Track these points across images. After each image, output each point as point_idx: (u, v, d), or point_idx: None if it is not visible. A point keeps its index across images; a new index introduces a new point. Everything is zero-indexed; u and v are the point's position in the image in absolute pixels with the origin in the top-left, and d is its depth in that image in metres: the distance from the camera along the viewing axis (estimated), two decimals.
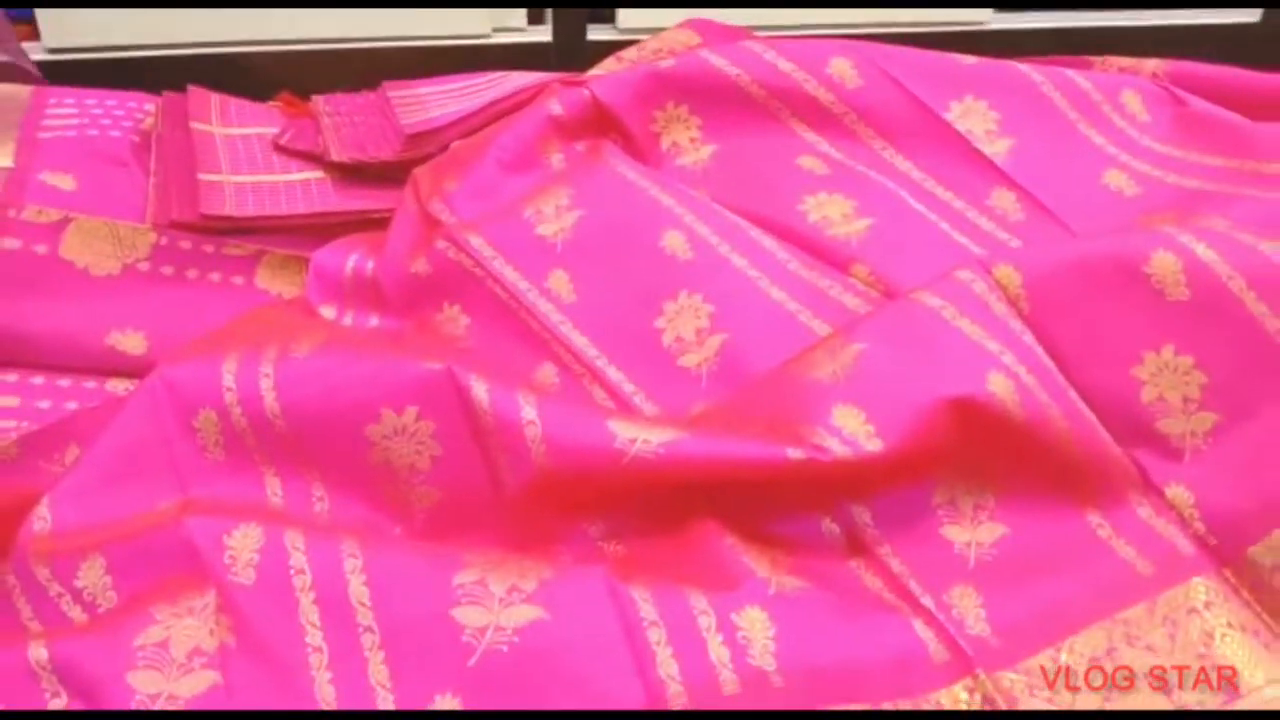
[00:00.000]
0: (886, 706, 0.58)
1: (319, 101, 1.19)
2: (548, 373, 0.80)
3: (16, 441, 0.77)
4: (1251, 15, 2.03)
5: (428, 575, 0.60)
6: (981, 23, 1.92)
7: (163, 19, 1.50)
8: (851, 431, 0.65)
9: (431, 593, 0.59)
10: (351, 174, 1.09)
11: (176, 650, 0.57)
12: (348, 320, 0.89)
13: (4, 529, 0.69)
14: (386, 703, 0.55)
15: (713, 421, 0.71)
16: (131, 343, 0.93)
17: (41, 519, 0.66)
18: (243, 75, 1.37)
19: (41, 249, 0.93)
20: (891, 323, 0.72)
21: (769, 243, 0.85)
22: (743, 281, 0.81)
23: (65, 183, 1.02)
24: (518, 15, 1.77)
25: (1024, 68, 0.99)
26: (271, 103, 1.22)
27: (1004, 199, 0.91)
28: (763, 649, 0.59)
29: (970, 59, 0.99)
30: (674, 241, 0.83)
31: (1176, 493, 0.70)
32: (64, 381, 0.91)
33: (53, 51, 1.54)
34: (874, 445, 0.65)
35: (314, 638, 0.58)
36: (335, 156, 1.08)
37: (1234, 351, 0.71)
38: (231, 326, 0.81)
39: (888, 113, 0.94)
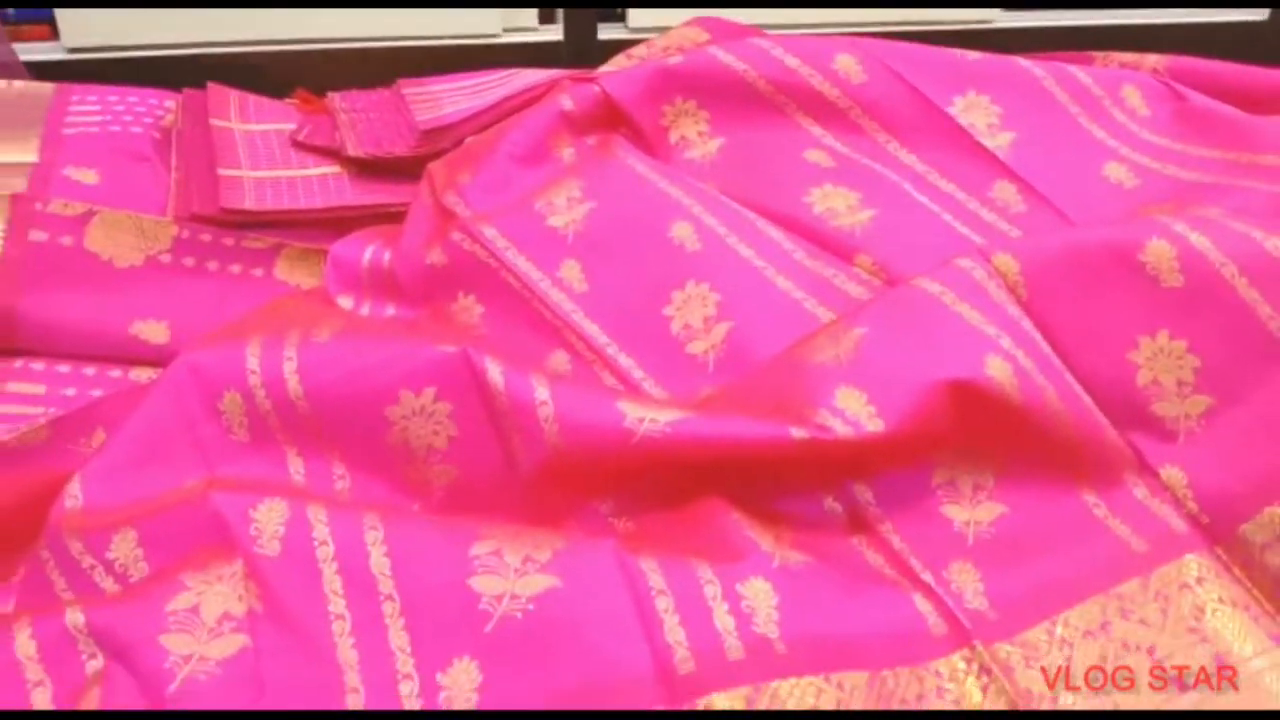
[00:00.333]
0: (886, 674, 0.60)
1: (335, 98, 1.21)
2: (560, 360, 0.82)
3: (46, 425, 0.79)
4: (1259, 14, 2.04)
5: (446, 547, 0.62)
6: (989, 21, 1.93)
7: (180, 19, 1.53)
8: (854, 412, 0.67)
9: (449, 563, 0.61)
10: (367, 169, 1.11)
11: (207, 615, 0.59)
12: (365, 310, 0.91)
13: (37, 508, 0.71)
14: (406, 666, 0.58)
15: (719, 403, 0.73)
16: (154, 332, 0.94)
17: (73, 497, 0.69)
18: (258, 74, 1.39)
19: (67, 241, 0.95)
20: (893, 308, 0.74)
21: (775, 233, 0.87)
22: (749, 271, 0.83)
23: (89, 177, 1.04)
24: (529, 15, 1.79)
25: (1026, 63, 1.01)
26: (288, 100, 1.24)
27: (1005, 191, 0.93)
28: (766, 617, 0.61)
29: (973, 54, 1.01)
30: (682, 232, 0.85)
31: (1171, 474, 0.72)
32: (89, 370, 0.92)
33: (72, 51, 1.57)
34: (875, 425, 0.67)
35: (336, 605, 0.60)
36: (352, 152, 1.10)
37: (1227, 337, 0.73)
38: (254, 315, 0.83)
39: (892, 107, 0.97)
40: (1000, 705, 0.61)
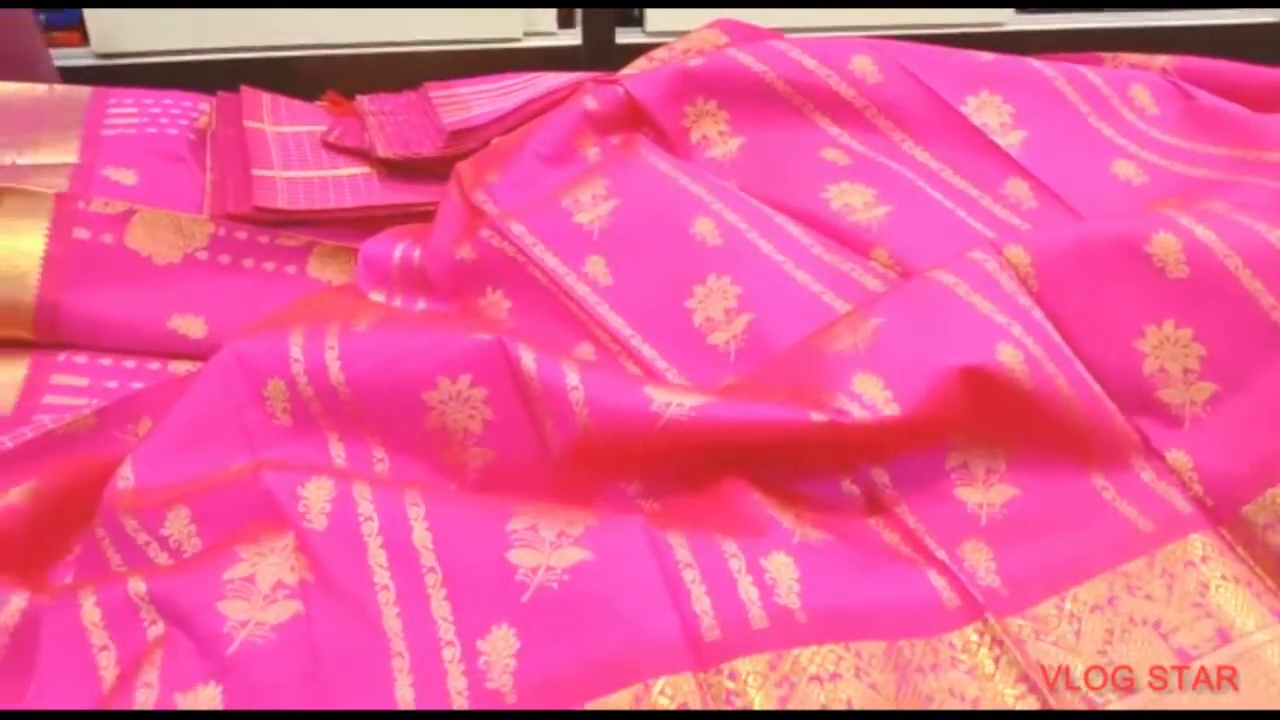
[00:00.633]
0: (903, 644, 0.63)
1: (364, 101, 1.24)
2: (586, 351, 0.85)
3: (93, 414, 0.82)
4: (1273, 15, 2.05)
5: (484, 522, 0.65)
6: (1001, 24, 1.96)
7: (209, 24, 1.56)
8: (871, 397, 0.70)
9: (488, 537, 0.64)
10: (396, 169, 1.13)
11: (261, 583, 0.62)
12: (396, 304, 0.94)
13: (88, 491, 0.75)
14: (448, 633, 0.61)
15: (742, 390, 0.76)
16: (192, 327, 0.97)
17: (125, 478, 0.72)
18: (290, 77, 1.42)
19: (108, 238, 0.98)
20: (908, 298, 0.77)
21: (794, 229, 0.90)
22: (769, 265, 0.86)
23: (127, 177, 1.06)
24: (548, 19, 1.82)
25: (1037, 64, 1.03)
26: (318, 102, 1.27)
27: (1018, 188, 0.95)
28: (788, 589, 0.64)
29: (986, 56, 1.03)
30: (704, 228, 0.88)
31: (1176, 457, 0.74)
32: (130, 363, 0.95)
33: (101, 56, 1.60)
34: (892, 410, 0.69)
35: (381, 577, 0.63)
36: (381, 153, 1.13)
37: (1231, 326, 0.75)
38: (294, 307, 0.86)
39: (907, 107, 0.99)
40: (1011, 676, 0.63)
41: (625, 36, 1.85)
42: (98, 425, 0.82)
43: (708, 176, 0.94)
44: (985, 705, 0.62)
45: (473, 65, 1.42)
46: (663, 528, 0.66)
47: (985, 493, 0.73)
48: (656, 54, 1.16)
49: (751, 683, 0.59)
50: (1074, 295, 0.77)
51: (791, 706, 0.59)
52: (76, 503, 0.75)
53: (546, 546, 0.64)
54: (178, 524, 0.68)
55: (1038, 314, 0.77)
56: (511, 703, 0.59)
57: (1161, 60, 1.14)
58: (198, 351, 0.95)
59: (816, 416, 0.69)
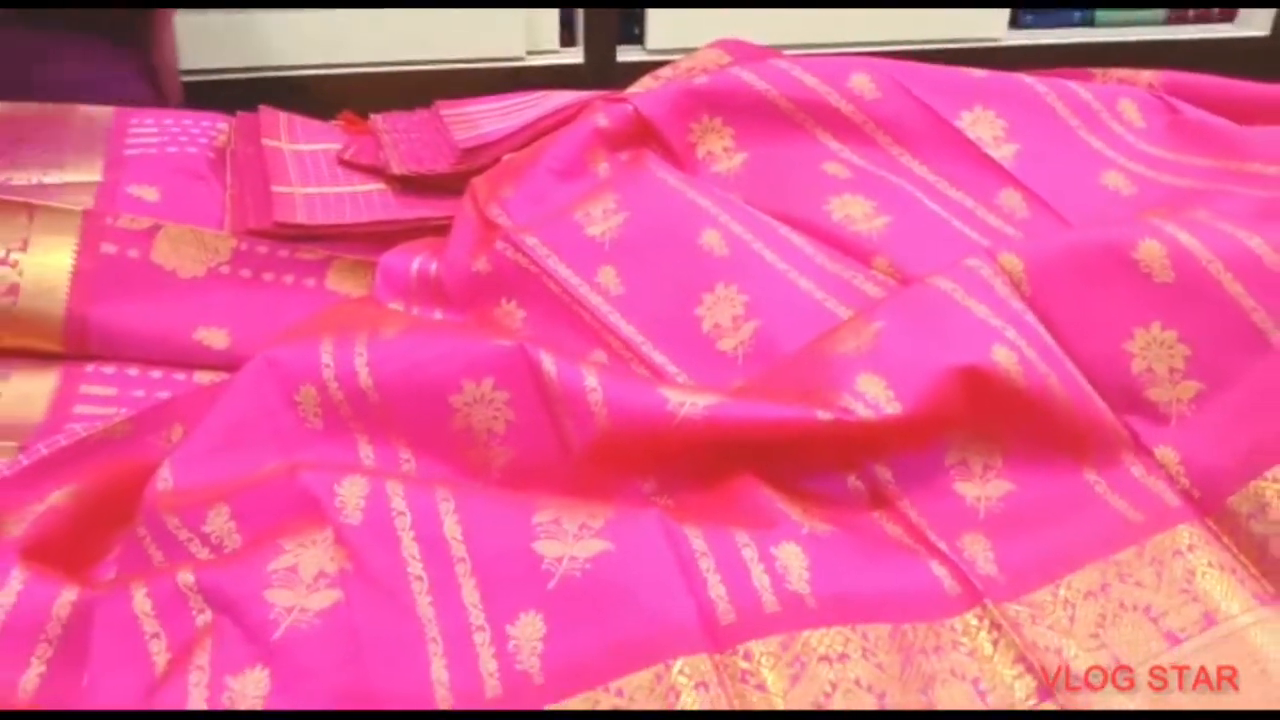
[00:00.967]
0: (906, 627, 0.67)
1: (377, 120, 1.27)
2: (598, 359, 0.88)
3: (127, 420, 0.86)
4: (1261, 30, 2.09)
5: (511, 515, 0.69)
6: (996, 39, 2.00)
7: (228, 46, 1.60)
8: (874, 396, 0.73)
9: (515, 529, 0.68)
10: (410, 185, 1.16)
11: (304, 573, 0.66)
12: (415, 314, 0.98)
13: (125, 494, 0.78)
14: (479, 619, 0.64)
15: (751, 391, 0.80)
16: (216, 338, 1.00)
17: (164, 480, 0.75)
18: (305, 97, 1.46)
19: (134, 253, 1.00)
20: (908, 304, 0.80)
21: (797, 239, 0.93)
22: (774, 274, 0.89)
23: (150, 195, 1.09)
24: (551, 37, 1.86)
25: (1029, 80, 1.07)
26: (333, 121, 1.30)
27: (1011, 198, 0.99)
28: (798, 576, 0.67)
29: (979, 72, 1.07)
30: (711, 239, 0.91)
31: (1164, 453, 0.78)
32: (156, 373, 0.97)
33: None
34: (894, 408, 0.73)
35: (415, 568, 0.66)
36: (396, 170, 1.15)
37: (1214, 327, 0.79)
38: (321, 317, 0.90)
39: (904, 122, 1.03)
40: (1009, 657, 0.67)
41: (626, 54, 1.89)
42: (132, 431, 0.85)
43: (714, 190, 0.97)
44: (985, 684, 0.66)
45: (479, 82, 1.45)
46: (679, 520, 0.69)
47: (983, 487, 0.76)
48: (661, 73, 1.20)
49: (765, 663, 0.63)
50: (1065, 299, 0.81)
51: (802, 685, 0.62)
52: (115, 504, 0.78)
53: (570, 538, 0.67)
54: (218, 521, 0.72)
55: (1031, 317, 0.80)
56: (539, 684, 0.62)
57: (1148, 75, 1.18)
58: (221, 362, 0.98)
59: (823, 415, 0.72)
